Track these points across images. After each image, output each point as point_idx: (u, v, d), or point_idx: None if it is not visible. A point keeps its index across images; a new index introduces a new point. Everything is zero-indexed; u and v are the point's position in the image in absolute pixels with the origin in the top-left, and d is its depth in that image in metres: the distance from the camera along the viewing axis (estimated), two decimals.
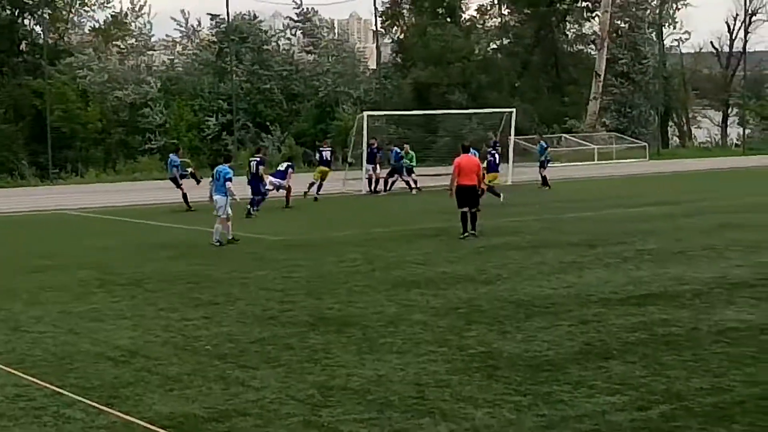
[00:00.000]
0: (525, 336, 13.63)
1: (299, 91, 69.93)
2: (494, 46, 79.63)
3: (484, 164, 34.24)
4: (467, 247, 23.22)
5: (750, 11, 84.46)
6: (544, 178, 41.32)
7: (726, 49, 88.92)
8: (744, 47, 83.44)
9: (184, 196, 34.48)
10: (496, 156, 36.00)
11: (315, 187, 38.47)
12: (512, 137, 45.85)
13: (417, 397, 10.88)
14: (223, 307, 16.28)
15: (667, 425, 9.81)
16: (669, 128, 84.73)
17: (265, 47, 70.72)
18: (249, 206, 31.13)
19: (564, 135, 64.63)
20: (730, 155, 67.30)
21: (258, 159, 33.23)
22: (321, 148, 40.91)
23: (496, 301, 16.18)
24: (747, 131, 76.35)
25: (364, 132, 42.28)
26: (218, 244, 24.37)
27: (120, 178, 53.82)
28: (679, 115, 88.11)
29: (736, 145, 77.38)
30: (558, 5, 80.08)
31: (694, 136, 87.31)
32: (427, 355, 12.67)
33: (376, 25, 75.19)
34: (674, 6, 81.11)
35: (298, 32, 74.04)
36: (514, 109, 48.48)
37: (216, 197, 24.73)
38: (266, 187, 32.94)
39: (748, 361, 12.10)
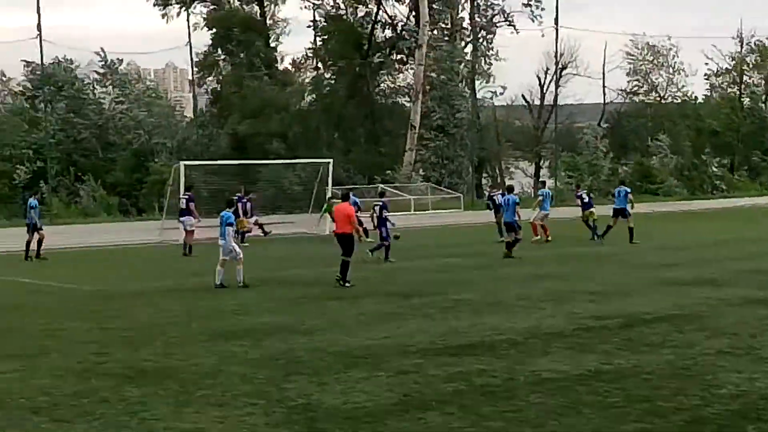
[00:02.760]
0: (344, 387, 13.58)
1: (114, 140, 69.05)
2: (310, 99, 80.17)
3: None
4: (286, 297, 23.15)
5: (561, 65, 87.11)
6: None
7: (538, 102, 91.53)
8: (555, 100, 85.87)
9: (28, 243, 33.72)
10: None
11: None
12: (330, 188, 46.10)
13: None
14: (36, 359, 15.78)
15: None
16: (483, 179, 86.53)
17: (80, 95, 69.70)
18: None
19: (381, 185, 65.32)
20: None
21: (188, 196, 32.94)
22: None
23: (315, 352, 16.12)
24: (558, 182, 78.10)
25: (181, 182, 41.61)
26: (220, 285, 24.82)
27: None
28: (493, 167, 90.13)
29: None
30: (371, 58, 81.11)
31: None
32: (246, 408, 12.52)
33: (192, 75, 74.92)
34: (487, 60, 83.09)
35: (109, 82, 73.29)
36: (331, 160, 48.91)
37: (221, 242, 25.48)
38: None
39: (565, 411, 12.19)
